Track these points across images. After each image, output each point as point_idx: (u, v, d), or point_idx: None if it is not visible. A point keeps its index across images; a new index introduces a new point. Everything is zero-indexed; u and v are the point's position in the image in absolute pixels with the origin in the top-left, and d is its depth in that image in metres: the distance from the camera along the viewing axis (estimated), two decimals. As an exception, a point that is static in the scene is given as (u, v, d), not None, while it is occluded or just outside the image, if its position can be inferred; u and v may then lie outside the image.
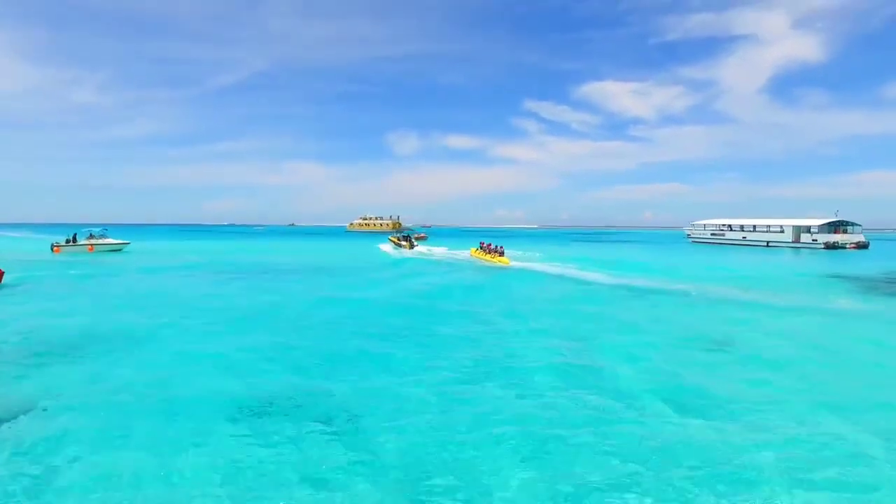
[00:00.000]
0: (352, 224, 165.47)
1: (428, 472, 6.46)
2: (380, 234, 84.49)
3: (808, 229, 70.73)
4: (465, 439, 7.44)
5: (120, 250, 47.52)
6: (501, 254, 40.33)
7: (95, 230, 48.87)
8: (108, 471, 6.39)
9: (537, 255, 49.46)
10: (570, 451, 7.08)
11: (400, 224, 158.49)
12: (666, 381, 10.36)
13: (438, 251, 54.63)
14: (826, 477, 6.36)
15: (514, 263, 38.47)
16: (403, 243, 58.59)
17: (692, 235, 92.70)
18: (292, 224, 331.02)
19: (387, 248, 59.28)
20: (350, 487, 6.11)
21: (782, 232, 73.90)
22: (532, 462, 6.79)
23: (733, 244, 79.59)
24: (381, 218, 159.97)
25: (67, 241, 46.64)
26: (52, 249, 45.85)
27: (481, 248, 44.02)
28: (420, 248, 58.23)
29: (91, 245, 46.27)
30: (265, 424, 7.90)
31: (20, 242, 68.15)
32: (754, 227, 79.06)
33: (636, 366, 11.44)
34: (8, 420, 7.90)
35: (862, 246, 67.43)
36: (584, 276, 31.02)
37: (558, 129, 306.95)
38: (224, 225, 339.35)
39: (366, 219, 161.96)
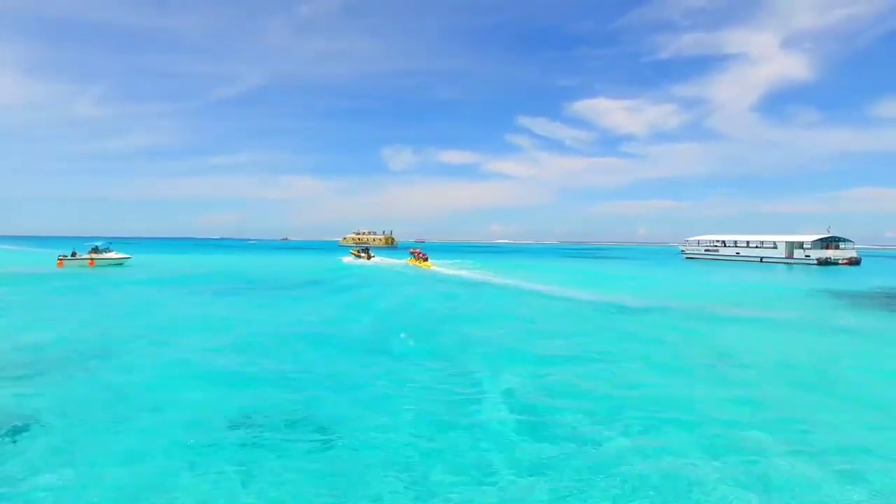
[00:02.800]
0: (345, 238, 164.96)
1: (406, 480, 6.66)
2: (372, 249, 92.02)
3: (801, 245, 71.84)
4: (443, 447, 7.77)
5: (121, 264, 47.26)
6: (426, 259, 55.17)
7: (99, 244, 48.81)
8: (103, 483, 6.43)
9: (469, 262, 64.18)
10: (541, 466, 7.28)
11: (393, 239, 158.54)
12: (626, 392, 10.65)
13: (387, 261, 65.92)
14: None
15: (433, 268, 51.44)
16: (363, 255, 69.11)
17: (686, 251, 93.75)
18: (285, 238, 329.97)
19: (349, 259, 68.92)
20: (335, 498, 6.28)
21: (775, 248, 75.01)
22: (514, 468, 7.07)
23: (727, 260, 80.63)
24: (374, 233, 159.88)
25: (74, 255, 46.41)
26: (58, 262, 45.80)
27: (414, 256, 57.87)
28: (376, 258, 68.94)
29: (91, 259, 46.04)
30: (251, 436, 8.04)
31: (21, 256, 67.63)
32: (748, 242, 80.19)
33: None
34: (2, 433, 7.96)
35: (854, 262, 68.51)
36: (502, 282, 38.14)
37: (552, 144, 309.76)
38: (217, 239, 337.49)
39: (359, 234, 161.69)
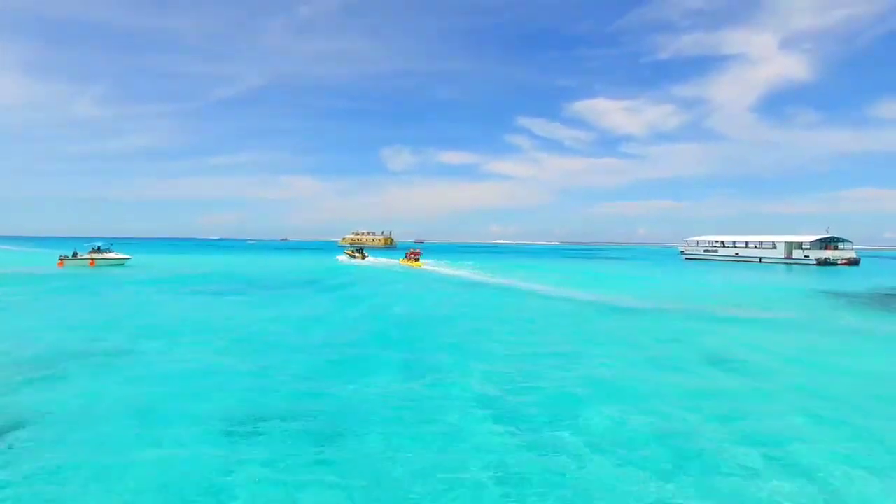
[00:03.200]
0: (344, 239, 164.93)
1: (402, 482, 6.68)
2: (370, 250, 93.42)
3: (800, 245, 71.95)
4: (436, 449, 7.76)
5: (122, 264, 47.30)
6: (417, 259, 57.89)
7: (101, 244, 49.00)
8: (105, 483, 6.47)
9: (470, 263, 65.86)
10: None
11: (392, 240, 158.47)
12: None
13: (381, 261, 67.44)
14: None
15: (425, 267, 53.99)
16: (357, 255, 71.40)
17: (685, 252, 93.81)
18: (285, 238, 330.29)
19: (344, 258, 71.58)
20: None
21: (774, 248, 75.14)
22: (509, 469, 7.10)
23: (726, 260, 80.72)
24: (373, 233, 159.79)
25: (75, 255, 46.53)
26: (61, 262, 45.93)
27: (406, 256, 60.04)
28: (370, 258, 71.36)
29: (92, 259, 46.14)
30: (254, 434, 8.11)
31: (21, 256, 67.72)
32: (747, 243, 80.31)
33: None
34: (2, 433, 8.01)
35: (853, 262, 68.60)
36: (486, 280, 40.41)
37: (551, 145, 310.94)
38: (217, 239, 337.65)
39: (358, 234, 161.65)
